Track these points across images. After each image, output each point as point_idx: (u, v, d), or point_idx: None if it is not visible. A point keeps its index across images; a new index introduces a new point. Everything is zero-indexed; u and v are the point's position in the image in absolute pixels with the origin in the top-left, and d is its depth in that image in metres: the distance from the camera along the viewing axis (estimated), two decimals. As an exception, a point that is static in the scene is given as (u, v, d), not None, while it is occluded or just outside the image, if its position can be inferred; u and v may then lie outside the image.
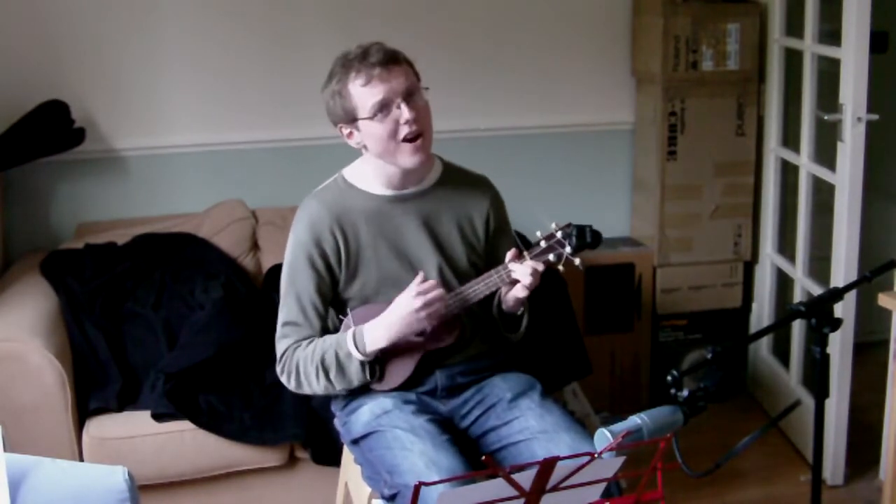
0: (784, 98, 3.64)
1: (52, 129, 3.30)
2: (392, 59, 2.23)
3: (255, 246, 3.38)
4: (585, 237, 2.21)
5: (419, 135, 2.24)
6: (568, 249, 2.21)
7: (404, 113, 2.22)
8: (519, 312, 2.37)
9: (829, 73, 3.28)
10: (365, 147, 2.30)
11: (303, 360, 2.29)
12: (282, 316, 2.35)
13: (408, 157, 2.27)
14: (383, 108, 2.22)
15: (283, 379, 2.35)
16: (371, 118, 2.22)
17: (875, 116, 3.07)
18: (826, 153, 3.31)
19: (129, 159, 3.51)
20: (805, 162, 3.44)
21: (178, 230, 3.36)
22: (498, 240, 2.43)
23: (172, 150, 3.52)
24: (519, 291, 2.25)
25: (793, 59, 3.55)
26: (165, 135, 3.51)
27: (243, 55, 3.52)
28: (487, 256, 2.42)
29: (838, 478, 3.28)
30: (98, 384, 2.88)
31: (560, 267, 2.23)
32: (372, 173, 2.35)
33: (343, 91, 2.23)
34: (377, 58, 2.21)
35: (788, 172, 3.67)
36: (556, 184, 3.84)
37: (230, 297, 3.07)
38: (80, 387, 2.85)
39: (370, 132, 2.25)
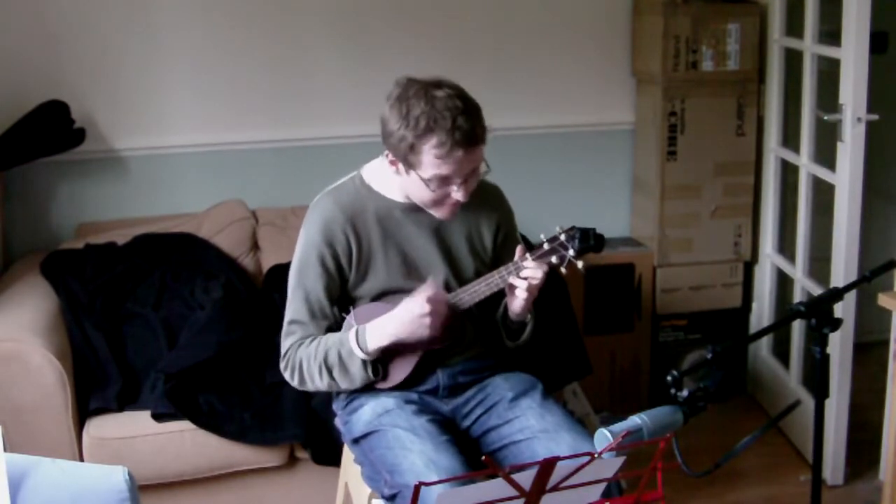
0: (784, 98, 3.64)
1: (52, 129, 3.30)
2: (476, 140, 2.17)
3: (255, 246, 3.38)
4: (589, 240, 2.21)
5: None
6: (571, 252, 2.21)
7: (457, 194, 2.22)
8: (526, 320, 2.38)
9: (829, 73, 3.28)
10: (399, 171, 2.26)
11: (306, 358, 2.30)
12: (289, 313, 2.35)
13: (439, 214, 2.29)
14: (443, 181, 2.20)
15: (287, 375, 2.35)
16: (426, 180, 2.20)
17: (875, 116, 3.07)
18: (826, 153, 3.31)
19: (129, 159, 3.51)
20: (805, 162, 3.44)
21: (178, 230, 3.36)
22: (505, 251, 2.43)
23: (172, 150, 3.52)
24: (520, 300, 2.25)
25: (793, 59, 3.55)
26: (165, 135, 3.51)
27: (243, 55, 3.52)
28: (493, 267, 2.42)
29: (838, 478, 3.28)
30: (98, 384, 2.88)
31: (563, 269, 2.24)
32: (392, 179, 2.31)
33: (416, 146, 2.16)
34: (463, 136, 2.14)
35: (788, 172, 3.67)
36: (556, 184, 3.84)
37: (230, 298, 3.07)
38: (80, 387, 2.84)
39: (418, 186, 2.23)
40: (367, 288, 2.35)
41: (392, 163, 2.25)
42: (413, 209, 2.34)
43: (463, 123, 2.14)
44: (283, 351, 2.35)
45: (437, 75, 2.23)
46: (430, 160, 2.16)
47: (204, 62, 3.50)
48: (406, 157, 2.19)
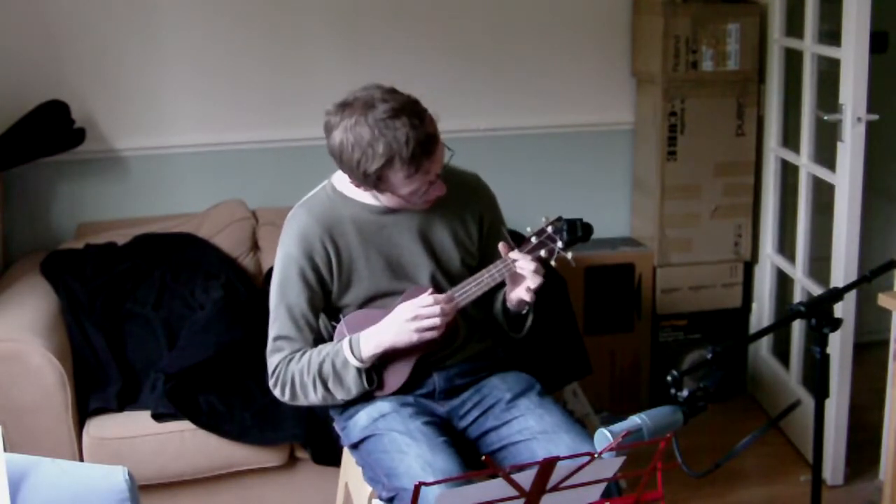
0: (784, 98, 3.64)
1: (52, 129, 3.30)
2: (434, 141, 2.15)
3: (255, 246, 3.38)
4: (577, 231, 2.20)
5: None
6: (559, 244, 2.20)
7: (432, 193, 2.22)
8: (524, 311, 2.36)
9: (829, 73, 3.28)
10: (368, 190, 2.26)
11: (298, 373, 2.27)
12: (273, 330, 2.32)
13: (420, 207, 2.28)
14: (418, 188, 2.20)
15: (277, 392, 2.33)
16: (403, 196, 2.21)
17: (875, 116, 3.07)
18: (826, 153, 3.31)
19: (129, 159, 3.51)
20: (805, 162, 3.44)
21: (178, 230, 3.36)
22: (492, 238, 2.41)
23: (172, 150, 3.52)
24: (523, 294, 2.25)
25: (793, 59, 3.55)
26: (165, 135, 3.51)
27: (243, 55, 3.52)
28: (481, 256, 2.41)
29: (838, 478, 3.28)
30: (98, 384, 2.88)
31: (552, 262, 2.23)
32: None
33: (383, 176, 2.14)
34: (422, 146, 2.11)
35: (788, 172, 3.67)
36: (556, 184, 3.84)
37: (230, 298, 3.07)
38: (80, 387, 2.84)
39: (394, 199, 2.24)
40: (353, 296, 2.33)
41: (358, 185, 2.23)
42: (390, 210, 2.32)
43: (416, 134, 2.10)
44: (271, 368, 2.32)
45: (365, 84, 2.17)
46: (401, 181, 2.16)
47: (204, 62, 3.50)
48: (377, 186, 2.19)
